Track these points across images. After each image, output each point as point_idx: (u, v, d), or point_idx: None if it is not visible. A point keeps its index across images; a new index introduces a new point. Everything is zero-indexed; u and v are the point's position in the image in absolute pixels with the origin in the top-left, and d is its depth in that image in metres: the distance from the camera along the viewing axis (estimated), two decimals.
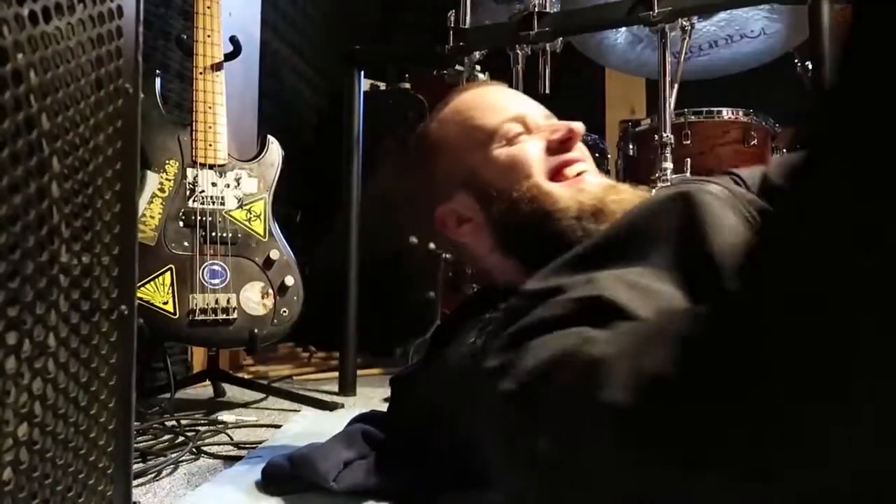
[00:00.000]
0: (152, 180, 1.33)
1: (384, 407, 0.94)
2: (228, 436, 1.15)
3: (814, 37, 1.30)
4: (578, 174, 0.77)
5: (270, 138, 1.50)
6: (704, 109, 1.77)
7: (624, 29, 1.91)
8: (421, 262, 2.12)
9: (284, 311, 1.41)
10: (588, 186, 0.75)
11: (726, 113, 1.78)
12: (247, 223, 1.41)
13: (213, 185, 1.39)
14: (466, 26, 1.63)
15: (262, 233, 1.42)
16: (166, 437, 1.08)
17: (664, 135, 1.49)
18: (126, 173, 0.53)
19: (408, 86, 2.45)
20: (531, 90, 1.66)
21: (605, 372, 0.37)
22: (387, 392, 0.92)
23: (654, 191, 0.94)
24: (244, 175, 1.43)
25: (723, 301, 0.32)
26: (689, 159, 1.60)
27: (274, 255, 1.41)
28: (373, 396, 1.62)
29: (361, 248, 1.69)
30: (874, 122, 0.24)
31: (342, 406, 1.41)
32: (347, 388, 1.64)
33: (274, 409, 1.43)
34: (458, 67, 1.74)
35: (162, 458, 0.94)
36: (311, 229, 2.29)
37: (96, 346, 0.50)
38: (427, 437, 0.78)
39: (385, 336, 2.15)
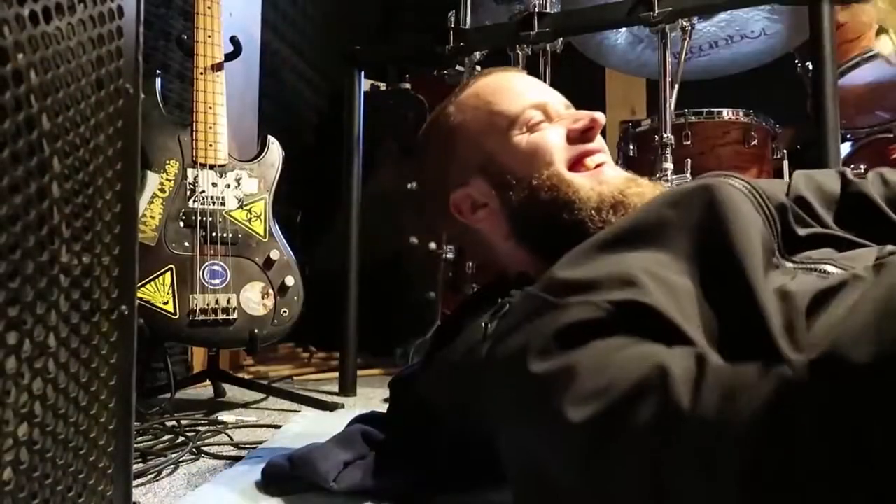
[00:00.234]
0: (153, 180, 1.33)
1: (384, 407, 0.93)
2: (228, 436, 1.15)
3: (814, 37, 1.30)
4: (598, 165, 0.77)
5: (271, 138, 1.50)
6: (705, 110, 1.77)
7: (624, 29, 1.91)
8: (421, 262, 2.12)
9: (285, 312, 1.41)
10: (609, 178, 0.75)
11: (727, 113, 1.77)
12: (247, 223, 1.41)
13: (214, 185, 1.39)
14: (467, 26, 1.63)
15: (262, 233, 1.42)
16: (166, 437, 1.08)
17: (664, 135, 1.49)
18: (126, 173, 0.53)
19: (408, 86, 2.45)
20: None
21: (701, 434, 0.39)
22: (387, 392, 0.92)
23: (673, 184, 0.94)
24: (244, 175, 1.43)
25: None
26: (689, 160, 1.59)
27: (274, 255, 1.41)
28: (373, 397, 1.62)
29: (361, 248, 1.69)
30: None
31: (342, 406, 1.41)
32: (347, 388, 1.64)
33: (274, 410, 1.43)
34: (458, 68, 1.75)
35: (162, 459, 0.94)
36: (312, 229, 2.29)
37: (96, 347, 0.50)
38: (427, 437, 0.78)
39: (385, 336, 2.15)
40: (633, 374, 0.44)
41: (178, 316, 1.30)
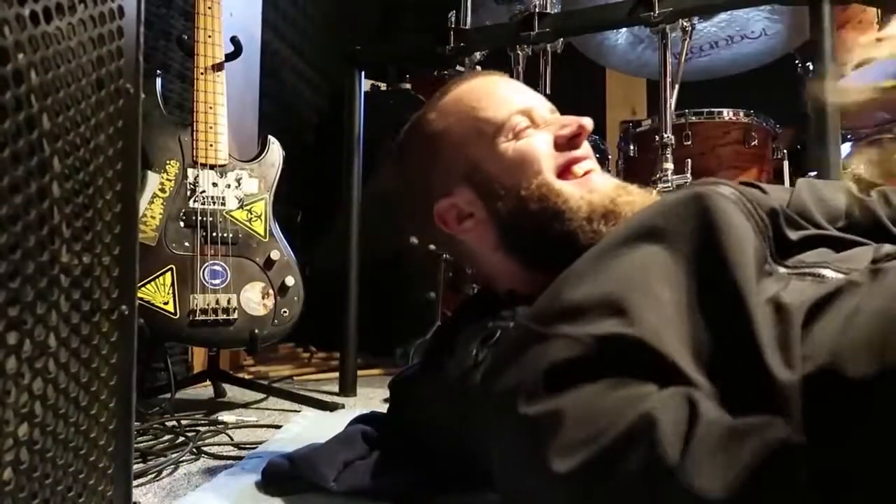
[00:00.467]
0: (153, 180, 1.33)
1: (384, 407, 0.93)
2: (229, 436, 1.15)
3: (814, 37, 1.30)
4: (586, 172, 0.75)
5: (271, 139, 1.50)
6: (705, 110, 1.77)
7: (625, 29, 1.91)
8: (421, 262, 2.12)
9: (285, 312, 1.41)
10: (599, 186, 0.74)
11: (727, 114, 1.78)
12: (247, 223, 1.41)
13: (214, 185, 1.39)
14: (467, 27, 1.63)
15: (262, 233, 1.42)
16: (166, 437, 1.08)
17: (665, 135, 1.49)
18: (127, 173, 0.53)
19: (408, 86, 2.45)
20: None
21: (688, 494, 0.38)
22: (387, 392, 0.92)
23: (662, 193, 0.94)
24: (245, 175, 1.43)
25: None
26: (689, 160, 1.60)
27: (274, 255, 1.41)
28: (373, 397, 1.62)
29: (362, 248, 1.69)
30: None
31: (342, 406, 1.41)
32: (348, 388, 1.64)
33: (274, 410, 1.43)
34: (458, 68, 1.75)
35: (162, 459, 0.94)
36: (312, 229, 2.29)
37: (97, 347, 0.50)
38: (427, 439, 0.78)
39: (385, 336, 2.15)
40: (620, 424, 0.43)
41: (178, 316, 1.30)
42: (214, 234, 1.36)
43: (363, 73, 1.75)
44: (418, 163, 0.84)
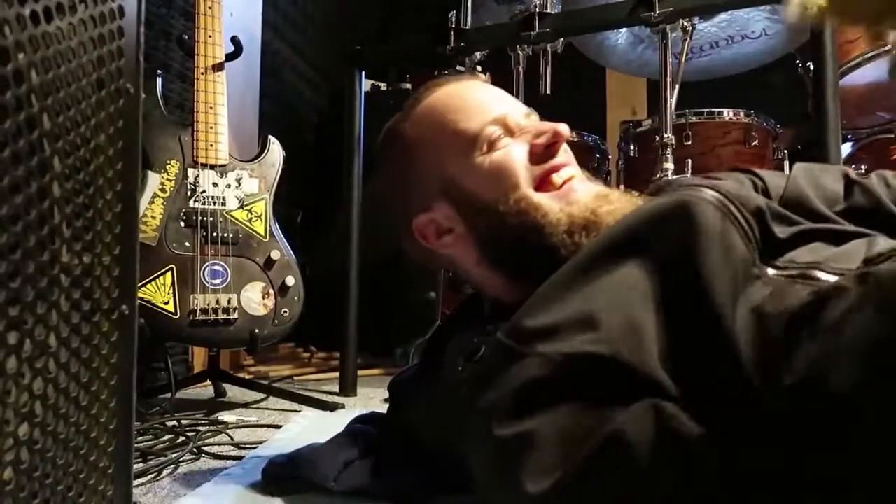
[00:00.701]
0: (153, 180, 1.33)
1: (384, 407, 0.93)
2: (229, 436, 1.15)
3: (815, 37, 1.30)
4: (566, 181, 0.73)
5: (271, 139, 1.50)
6: (705, 110, 1.77)
7: (625, 29, 1.91)
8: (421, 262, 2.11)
9: (285, 312, 1.41)
10: (578, 197, 0.72)
11: (727, 114, 1.77)
12: (248, 223, 1.41)
13: (214, 185, 1.39)
14: (467, 27, 1.63)
15: (262, 233, 1.42)
16: (167, 437, 1.08)
17: (665, 135, 1.49)
18: (127, 173, 0.53)
19: (409, 86, 2.45)
20: (532, 90, 1.67)
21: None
22: (387, 393, 0.92)
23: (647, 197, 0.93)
24: (245, 175, 1.43)
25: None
26: (690, 160, 1.60)
27: (275, 255, 1.41)
28: (373, 397, 1.62)
29: (362, 248, 1.69)
30: None
31: (343, 406, 1.41)
32: (348, 388, 1.64)
33: (274, 410, 1.43)
34: (459, 68, 1.74)
35: (162, 458, 0.94)
36: (312, 229, 2.29)
37: (97, 346, 0.50)
38: (426, 439, 0.77)
39: (385, 336, 2.15)
40: (588, 446, 0.44)
41: (178, 316, 1.30)
42: (215, 233, 1.36)
43: (363, 73, 1.75)
44: (396, 174, 0.83)
